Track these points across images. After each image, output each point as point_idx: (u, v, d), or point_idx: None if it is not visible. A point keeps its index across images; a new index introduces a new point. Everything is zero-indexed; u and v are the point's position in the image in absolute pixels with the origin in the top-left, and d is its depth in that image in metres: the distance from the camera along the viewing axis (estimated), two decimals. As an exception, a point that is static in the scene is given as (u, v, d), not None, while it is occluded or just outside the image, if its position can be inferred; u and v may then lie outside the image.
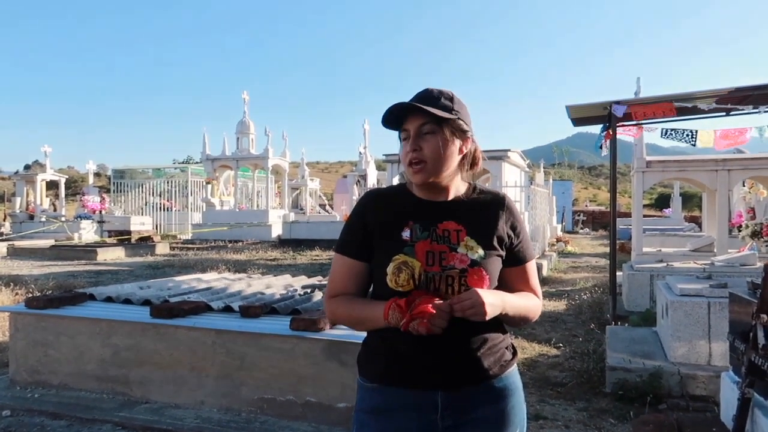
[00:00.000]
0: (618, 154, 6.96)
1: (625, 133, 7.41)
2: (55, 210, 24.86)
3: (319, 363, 3.35)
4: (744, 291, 2.90)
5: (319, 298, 4.27)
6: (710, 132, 6.93)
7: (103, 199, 22.99)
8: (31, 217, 23.21)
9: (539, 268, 10.06)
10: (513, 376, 1.49)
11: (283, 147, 24.35)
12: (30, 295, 6.81)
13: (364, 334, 1.54)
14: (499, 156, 17.85)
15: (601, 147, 7.50)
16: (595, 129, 7.82)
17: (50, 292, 7.97)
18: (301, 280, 5.35)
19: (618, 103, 6.63)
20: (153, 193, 27.36)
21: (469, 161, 1.50)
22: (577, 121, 7.75)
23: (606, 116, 6.99)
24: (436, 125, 1.41)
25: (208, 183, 24.55)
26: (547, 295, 8.40)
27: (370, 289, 1.53)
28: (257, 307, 3.78)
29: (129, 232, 20.87)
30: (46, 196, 26.04)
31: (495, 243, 1.45)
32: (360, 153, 23.26)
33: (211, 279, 5.37)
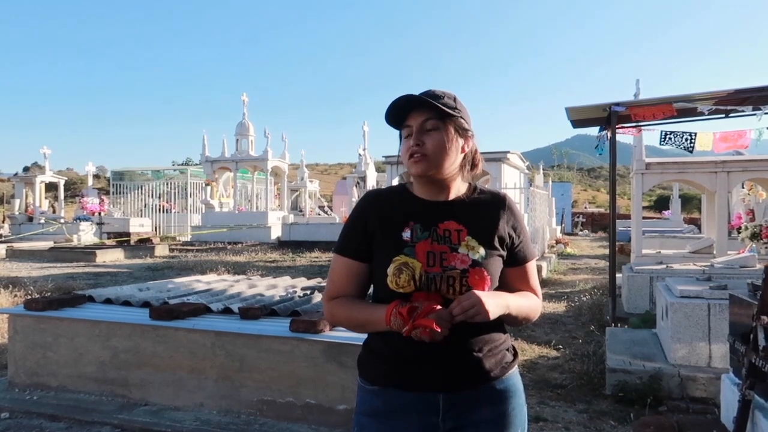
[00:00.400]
0: (617, 156, 6.96)
1: (625, 133, 7.42)
2: (54, 212, 24.85)
3: (319, 365, 3.35)
4: (744, 293, 2.90)
5: (319, 299, 4.26)
6: (709, 135, 6.94)
7: (103, 200, 22.98)
8: (30, 219, 23.20)
9: (539, 269, 10.06)
10: (514, 377, 1.48)
11: (283, 149, 24.36)
12: (29, 296, 6.79)
13: (364, 335, 1.53)
14: (498, 158, 17.85)
15: (600, 148, 7.50)
16: (595, 131, 7.82)
17: (49, 293, 7.96)
18: (301, 282, 5.34)
19: (617, 104, 6.63)
20: (152, 194, 27.36)
21: (470, 162, 1.50)
22: (577, 123, 7.75)
23: (605, 118, 6.99)
24: (439, 121, 1.41)
25: (207, 185, 24.55)
26: (546, 297, 8.40)
27: (370, 291, 1.52)
28: (257, 309, 3.78)
29: (128, 234, 20.86)
30: (45, 198, 26.02)
31: (496, 243, 1.45)
32: (359, 155, 23.26)
33: (211, 281, 5.36)
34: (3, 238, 20.19)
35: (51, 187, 27.54)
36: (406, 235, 1.41)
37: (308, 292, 4.56)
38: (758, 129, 6.83)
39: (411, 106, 1.42)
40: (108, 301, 4.31)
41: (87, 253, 15.34)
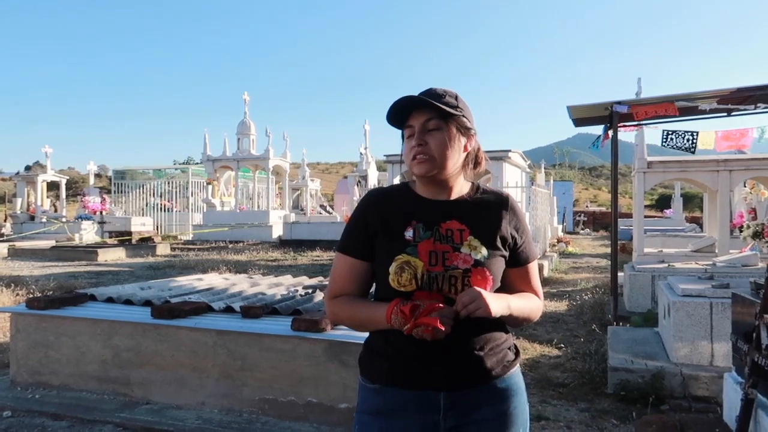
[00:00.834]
0: (619, 154, 6.95)
1: (627, 131, 7.41)
2: (55, 211, 24.88)
3: (321, 364, 3.35)
4: (747, 291, 2.89)
5: (321, 298, 4.26)
6: (711, 133, 6.92)
7: (104, 199, 23.00)
8: (32, 218, 23.23)
9: (540, 268, 10.05)
10: (516, 376, 1.48)
11: (284, 148, 24.37)
12: (31, 295, 6.81)
13: (366, 334, 1.53)
14: (500, 156, 17.84)
15: (595, 145, 7.48)
16: (597, 130, 7.81)
17: (51, 292, 7.97)
18: (302, 281, 5.34)
19: (619, 103, 6.62)
20: (154, 193, 27.39)
21: (473, 160, 1.50)
22: (579, 122, 7.74)
23: (607, 117, 6.98)
24: (441, 121, 1.41)
25: (208, 184, 24.57)
26: (548, 296, 8.39)
27: (372, 289, 1.52)
28: (258, 308, 3.78)
29: (130, 233, 20.89)
30: (47, 197, 26.06)
31: (498, 243, 1.44)
32: (361, 154, 23.26)
33: (212, 279, 5.36)
34: (5, 237, 20.23)
35: (53, 186, 27.58)
36: (409, 234, 1.41)
37: (310, 291, 4.56)
38: (760, 128, 6.81)
39: (412, 106, 1.41)
40: (110, 299, 4.31)
41: (89, 252, 15.36)
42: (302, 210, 26.93)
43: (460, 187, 1.49)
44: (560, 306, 7.87)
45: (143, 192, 27.73)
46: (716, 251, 7.78)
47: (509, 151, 18.49)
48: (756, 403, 2.46)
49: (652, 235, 11.96)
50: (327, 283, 5.22)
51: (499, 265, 1.44)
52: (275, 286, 4.91)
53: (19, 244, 17.50)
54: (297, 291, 4.58)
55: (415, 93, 1.45)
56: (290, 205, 26.56)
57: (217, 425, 3.37)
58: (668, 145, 6.76)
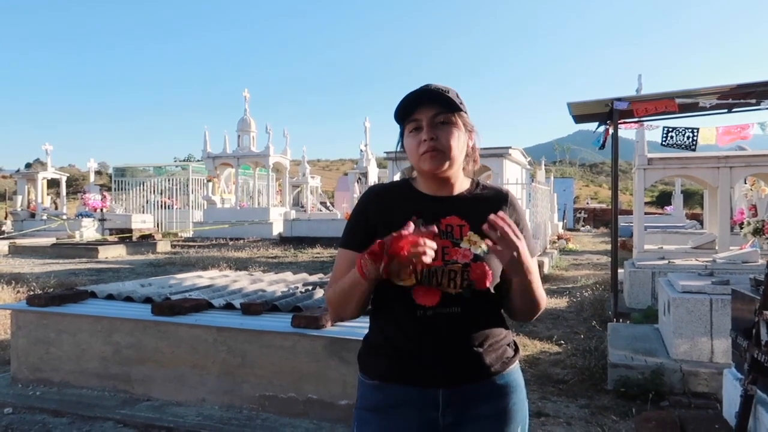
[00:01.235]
0: (619, 151, 6.94)
1: (627, 128, 7.40)
2: (56, 208, 24.90)
3: (321, 360, 3.35)
4: (746, 288, 2.89)
5: (320, 295, 4.27)
6: (712, 129, 6.91)
7: (105, 197, 23.03)
8: (33, 216, 23.24)
9: (540, 265, 10.06)
10: (515, 373, 1.48)
11: (284, 145, 24.36)
12: (31, 293, 6.81)
13: (366, 331, 1.53)
14: (500, 153, 17.83)
15: (603, 146, 7.47)
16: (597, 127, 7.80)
17: (52, 289, 7.98)
18: (303, 278, 5.34)
19: (619, 100, 6.61)
20: (154, 191, 27.40)
21: (472, 159, 1.50)
22: (579, 119, 7.73)
23: (607, 113, 6.97)
24: (450, 115, 1.40)
25: (209, 181, 24.56)
26: (548, 293, 8.40)
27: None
28: (258, 305, 3.78)
29: (130, 230, 20.92)
30: (48, 195, 26.08)
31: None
32: (361, 150, 23.24)
33: (213, 276, 5.37)
34: (5, 235, 20.23)
35: (53, 184, 27.61)
36: (409, 229, 1.41)
37: (310, 287, 4.56)
38: (761, 123, 6.80)
39: (423, 99, 1.40)
40: (110, 297, 4.32)
41: (89, 249, 15.37)
42: (302, 207, 26.93)
43: (461, 184, 1.49)
44: (560, 303, 7.88)
45: (144, 189, 27.74)
46: (716, 248, 7.78)
47: (509, 148, 18.48)
48: (755, 399, 2.46)
49: (653, 232, 11.96)
50: (327, 280, 5.22)
51: (497, 260, 1.44)
52: (275, 283, 4.91)
53: (19, 242, 17.51)
54: (297, 288, 4.59)
55: (415, 88, 1.44)
56: (290, 202, 26.56)
57: (218, 422, 3.38)
58: (668, 143, 6.74)
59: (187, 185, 26.81)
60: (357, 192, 20.35)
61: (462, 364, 1.40)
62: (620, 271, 7.44)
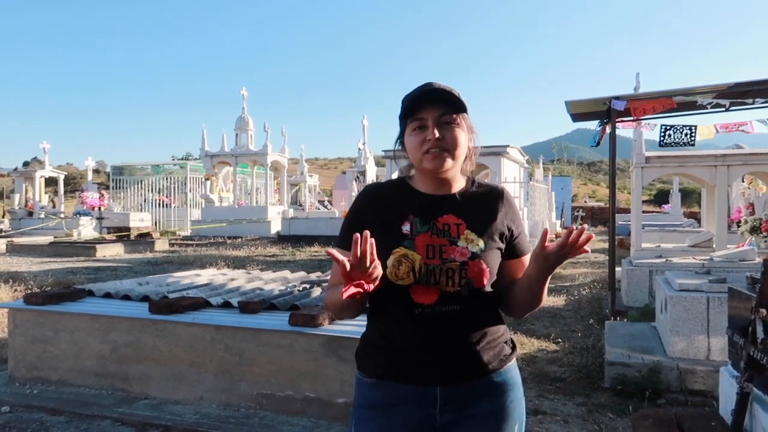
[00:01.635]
0: (617, 150, 6.95)
1: (625, 127, 7.41)
2: (54, 207, 24.85)
3: (318, 358, 3.35)
4: (743, 286, 2.90)
5: (318, 294, 4.27)
6: (710, 127, 6.92)
7: (102, 195, 22.99)
8: (30, 214, 23.20)
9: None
10: (512, 370, 1.48)
11: (282, 143, 24.33)
12: (29, 291, 6.79)
13: (363, 329, 1.53)
14: (498, 152, 17.84)
15: (598, 143, 7.48)
16: (595, 125, 7.80)
17: (49, 288, 7.97)
18: (300, 276, 5.35)
19: (617, 98, 6.62)
20: (152, 189, 27.37)
21: (470, 159, 1.50)
22: (577, 117, 7.73)
23: (605, 112, 6.98)
24: (455, 116, 1.40)
25: (207, 179, 24.53)
26: (546, 291, 8.40)
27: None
28: (256, 303, 3.78)
29: (128, 229, 20.89)
30: (45, 193, 26.01)
31: (495, 236, 1.45)
32: (359, 149, 23.22)
33: (210, 275, 5.36)
34: (3, 233, 20.20)
35: (51, 182, 27.55)
36: (406, 228, 1.41)
37: (308, 286, 4.56)
38: (761, 121, 6.81)
39: (426, 98, 1.40)
40: (108, 295, 4.31)
41: (87, 247, 15.35)
42: (301, 205, 26.92)
43: (458, 183, 1.49)
44: (558, 301, 7.89)
45: (141, 188, 27.71)
46: (714, 246, 7.79)
47: (507, 146, 18.48)
48: (752, 396, 2.47)
49: (650, 230, 11.99)
50: (325, 278, 5.22)
51: (495, 257, 1.44)
52: (273, 282, 4.91)
53: (17, 240, 17.47)
54: (294, 286, 4.59)
55: (413, 87, 1.44)
56: (289, 200, 26.56)
57: (215, 420, 3.38)
58: (666, 142, 6.75)
59: (185, 184, 26.80)
60: (355, 190, 20.35)
61: (460, 362, 1.41)
62: (618, 269, 7.46)
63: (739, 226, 7.92)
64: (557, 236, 19.08)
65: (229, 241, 18.50)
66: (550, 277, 1.41)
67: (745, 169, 8.04)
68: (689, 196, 35.32)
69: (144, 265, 12.50)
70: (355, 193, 19.62)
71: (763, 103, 6.44)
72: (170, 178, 27.81)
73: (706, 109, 6.85)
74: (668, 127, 6.86)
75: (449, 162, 1.40)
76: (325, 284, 4.61)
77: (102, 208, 21.90)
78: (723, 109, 6.93)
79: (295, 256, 14.63)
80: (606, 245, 9.46)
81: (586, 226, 1.34)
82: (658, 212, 27.28)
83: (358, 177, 21.79)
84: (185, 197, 26.67)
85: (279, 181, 26.61)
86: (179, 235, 21.99)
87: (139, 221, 23.37)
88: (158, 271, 10.99)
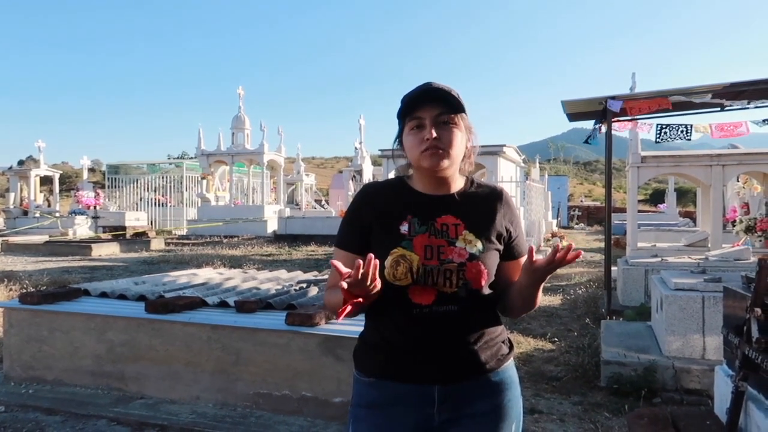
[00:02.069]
0: (613, 149, 6.96)
1: (621, 129, 7.42)
2: (49, 205, 24.75)
3: (315, 358, 3.35)
4: (738, 285, 2.91)
5: (315, 293, 4.27)
6: (706, 125, 6.94)
7: (98, 194, 22.92)
8: (25, 213, 23.10)
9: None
10: (509, 370, 1.49)
11: (279, 142, 24.30)
12: (24, 290, 6.77)
13: (360, 328, 1.53)
14: (494, 151, 17.86)
15: (587, 140, 7.49)
16: (591, 125, 7.82)
17: (44, 287, 7.94)
18: (297, 276, 5.34)
19: (613, 98, 6.63)
20: (148, 188, 27.27)
21: (468, 159, 1.50)
22: (573, 117, 7.74)
23: (601, 111, 6.99)
24: (453, 116, 1.41)
25: (203, 178, 24.49)
26: (542, 290, 8.42)
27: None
28: (253, 303, 3.78)
29: (124, 228, 20.82)
30: (41, 192, 25.90)
31: (493, 237, 1.45)
32: (356, 148, 23.20)
33: (207, 274, 5.36)
34: (-2, 232, 20.11)
35: (46, 181, 27.40)
36: (404, 228, 1.41)
37: (304, 285, 4.56)
38: (755, 121, 6.83)
39: (425, 97, 1.40)
40: (103, 294, 4.30)
41: (82, 246, 15.30)
42: (297, 205, 26.89)
43: (456, 183, 1.49)
44: (554, 300, 7.91)
45: (137, 187, 27.61)
46: (709, 245, 7.82)
47: (504, 145, 18.50)
48: (746, 395, 2.48)
49: (646, 230, 12.01)
50: (321, 277, 5.22)
51: (493, 258, 1.45)
52: (270, 281, 4.91)
53: (12, 239, 17.40)
54: (291, 286, 4.58)
55: (411, 87, 1.44)
56: (285, 199, 26.51)
57: (212, 419, 3.38)
58: (663, 139, 6.76)
59: (181, 183, 26.70)
60: (352, 190, 20.33)
61: (457, 362, 1.41)
62: (614, 268, 7.47)
63: (734, 226, 7.96)
64: (553, 235, 19.11)
65: (225, 241, 18.47)
66: (542, 285, 1.42)
67: (740, 168, 8.07)
68: (685, 196, 35.44)
69: (140, 265, 12.47)
70: (351, 193, 19.63)
71: (759, 104, 6.46)
72: (166, 177, 27.72)
73: (702, 108, 6.87)
74: (664, 126, 6.88)
75: (446, 161, 1.40)
76: (322, 284, 4.61)
77: (97, 207, 21.82)
78: (718, 109, 6.96)
79: (291, 255, 14.61)
80: (602, 244, 9.49)
81: (573, 244, 1.35)
82: (653, 212, 27.38)
83: (354, 176, 21.77)
84: (181, 196, 26.59)
85: (275, 180, 26.56)
86: (175, 235, 21.93)
87: (135, 220, 23.30)
88: (154, 270, 10.96)
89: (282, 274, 5.44)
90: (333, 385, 3.32)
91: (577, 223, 32.24)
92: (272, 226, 20.79)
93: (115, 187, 28.09)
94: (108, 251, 15.47)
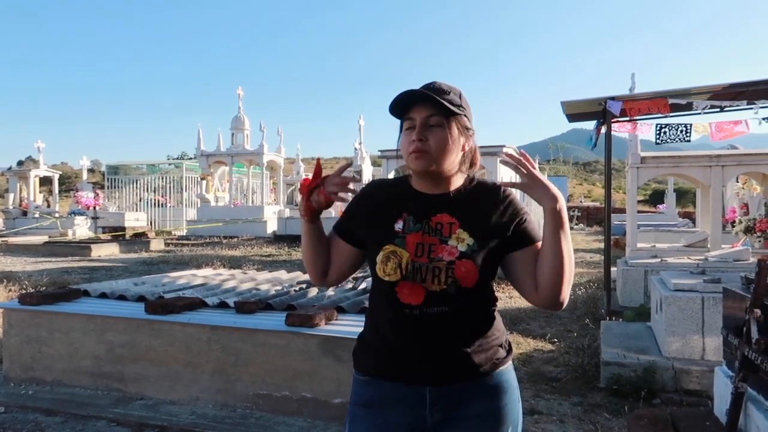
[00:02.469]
0: (612, 150, 6.96)
1: (620, 130, 7.42)
2: (48, 206, 24.74)
3: (315, 359, 3.35)
4: (737, 286, 2.91)
5: (315, 293, 4.27)
6: (705, 125, 6.94)
7: (97, 195, 22.92)
8: (25, 213, 23.08)
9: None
10: (507, 373, 1.47)
11: (279, 143, 24.29)
12: (23, 291, 6.77)
13: (360, 329, 1.54)
14: (494, 152, 17.83)
15: (595, 145, 7.49)
16: (590, 125, 7.83)
17: (44, 288, 7.94)
18: (297, 276, 5.34)
19: (613, 99, 6.63)
20: (147, 189, 27.26)
21: (469, 160, 1.49)
22: (572, 117, 7.74)
23: (600, 112, 6.99)
24: (443, 118, 1.40)
25: (202, 179, 24.46)
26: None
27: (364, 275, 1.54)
28: (252, 303, 3.78)
29: (123, 228, 20.82)
30: (40, 192, 25.89)
31: (490, 235, 1.42)
32: (355, 149, 23.19)
33: (206, 275, 5.36)
34: (-3, 233, 20.10)
35: (45, 182, 27.39)
36: (398, 226, 1.43)
37: (304, 286, 4.56)
38: (757, 119, 6.82)
39: (417, 99, 1.40)
40: (103, 295, 4.30)
41: (82, 247, 15.29)
42: (297, 205, 26.87)
43: (455, 182, 1.48)
44: (554, 301, 7.90)
45: (137, 187, 27.60)
46: (708, 246, 7.82)
47: (503, 146, 18.48)
48: (746, 396, 2.48)
49: (646, 230, 12.02)
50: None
51: (490, 257, 1.42)
52: (269, 282, 4.91)
53: (11, 240, 17.39)
54: (291, 286, 4.59)
55: (411, 86, 1.44)
56: (285, 200, 26.51)
57: (212, 420, 3.37)
58: (662, 140, 6.76)
59: (181, 183, 26.71)
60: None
61: (449, 364, 1.41)
62: (613, 269, 7.47)
63: (733, 226, 7.96)
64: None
65: (225, 241, 18.46)
66: (567, 235, 1.36)
67: (739, 169, 8.07)
68: (684, 197, 35.43)
69: (139, 265, 12.46)
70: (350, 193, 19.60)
71: (761, 105, 6.45)
72: (166, 178, 27.72)
73: (700, 110, 6.87)
74: (663, 126, 6.88)
75: (431, 164, 1.40)
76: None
77: (97, 208, 21.82)
78: (717, 110, 6.96)
79: (291, 255, 14.61)
80: (601, 245, 9.48)
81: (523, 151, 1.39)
82: (653, 212, 27.38)
83: (354, 177, 21.71)
84: (181, 197, 26.59)
85: (275, 180, 26.56)
86: (175, 235, 21.92)
87: (135, 221, 23.30)
88: (154, 271, 10.96)
89: (282, 274, 5.44)
90: (333, 385, 3.32)
91: (576, 224, 32.24)
92: (272, 227, 20.78)
93: (115, 187, 28.09)
94: (107, 252, 15.47)
